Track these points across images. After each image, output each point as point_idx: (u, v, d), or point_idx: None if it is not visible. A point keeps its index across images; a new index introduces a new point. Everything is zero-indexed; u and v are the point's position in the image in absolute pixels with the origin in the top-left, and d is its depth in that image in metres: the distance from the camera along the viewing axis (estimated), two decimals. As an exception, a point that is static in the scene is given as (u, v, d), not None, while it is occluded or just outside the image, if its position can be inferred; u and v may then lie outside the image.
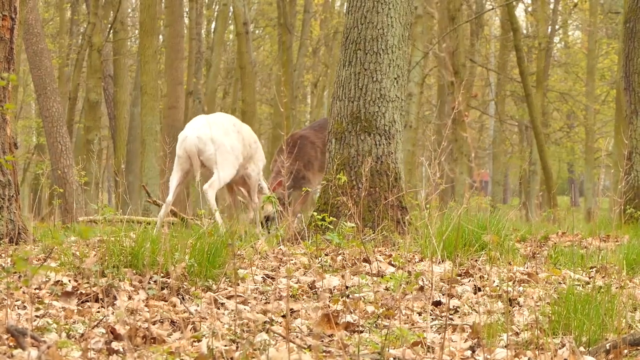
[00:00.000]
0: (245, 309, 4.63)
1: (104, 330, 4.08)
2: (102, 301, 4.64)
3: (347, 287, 5.16)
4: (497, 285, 5.29)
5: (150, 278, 4.92)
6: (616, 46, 28.39)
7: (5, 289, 4.47)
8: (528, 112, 22.59)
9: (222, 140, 8.64)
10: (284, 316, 4.50)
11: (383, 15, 9.24)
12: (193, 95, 28.05)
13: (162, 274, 4.98)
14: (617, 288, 4.82)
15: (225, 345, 3.89)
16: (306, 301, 4.89)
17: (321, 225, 7.10)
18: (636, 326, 4.47)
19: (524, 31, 31.74)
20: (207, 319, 4.35)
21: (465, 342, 4.14)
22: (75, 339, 4.06)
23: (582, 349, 4.04)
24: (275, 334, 4.12)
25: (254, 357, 3.68)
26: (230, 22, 30.31)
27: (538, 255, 6.72)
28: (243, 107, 24.91)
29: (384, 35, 9.24)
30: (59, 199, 14.75)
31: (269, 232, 8.79)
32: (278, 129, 26.36)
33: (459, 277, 5.62)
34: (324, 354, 3.84)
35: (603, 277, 5.69)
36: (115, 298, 4.67)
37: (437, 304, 4.93)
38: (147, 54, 18.60)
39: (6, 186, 7.04)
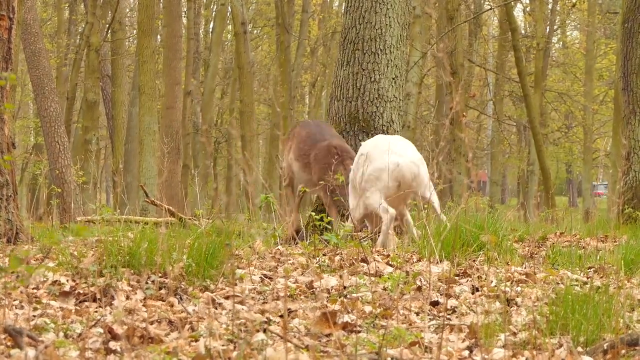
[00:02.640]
0: (243, 308, 4.63)
1: (101, 330, 4.07)
2: (100, 301, 4.64)
3: (345, 287, 5.16)
4: (495, 286, 5.29)
5: (148, 278, 4.92)
6: (614, 46, 28.41)
7: (3, 289, 4.47)
8: (526, 112, 22.61)
9: None
10: (281, 316, 4.50)
11: (381, 16, 9.24)
12: (191, 95, 28.07)
13: (159, 274, 4.97)
14: (615, 288, 4.82)
15: (223, 345, 3.89)
16: (304, 301, 4.89)
17: (319, 225, 7.10)
18: (634, 326, 4.47)
19: (522, 31, 31.78)
20: (204, 319, 4.35)
21: (462, 342, 4.14)
22: (73, 338, 4.06)
23: (579, 349, 4.04)
24: (273, 334, 4.12)
25: (251, 357, 3.68)
26: (228, 22, 30.33)
27: (536, 256, 6.72)
28: (241, 107, 24.92)
29: (382, 36, 9.25)
30: (57, 198, 14.74)
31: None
32: (276, 129, 26.37)
33: (456, 277, 5.62)
34: (322, 353, 3.84)
35: (601, 277, 5.69)
36: (113, 298, 4.67)
37: (434, 304, 4.93)
38: (145, 54, 18.61)
39: (4, 186, 7.04)
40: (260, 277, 5.41)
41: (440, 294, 5.12)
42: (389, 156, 7.63)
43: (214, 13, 30.64)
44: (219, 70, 31.82)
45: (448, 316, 4.70)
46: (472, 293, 5.22)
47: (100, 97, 25.26)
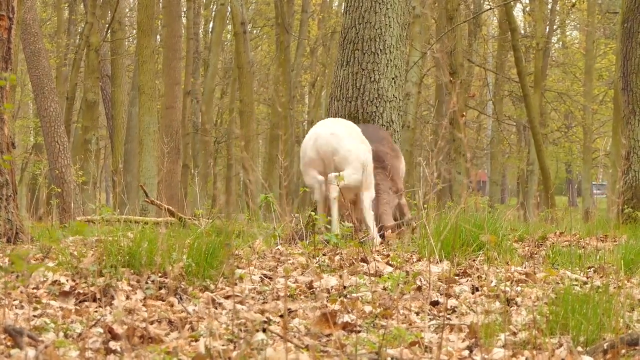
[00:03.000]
0: (242, 308, 4.63)
1: (101, 330, 4.07)
2: (100, 301, 4.64)
3: (344, 287, 5.16)
4: (495, 285, 5.29)
5: (148, 278, 4.92)
6: (614, 46, 28.41)
7: (3, 289, 4.47)
8: (526, 112, 22.61)
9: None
10: (281, 316, 4.50)
11: (381, 15, 9.24)
12: (191, 95, 28.07)
13: (159, 274, 4.97)
14: (614, 288, 4.83)
15: (223, 345, 3.89)
16: (304, 301, 4.89)
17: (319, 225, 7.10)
18: (634, 326, 4.47)
19: (522, 31, 31.77)
20: (204, 319, 4.35)
21: (462, 342, 4.14)
22: (73, 338, 4.06)
23: (579, 348, 4.04)
24: (273, 334, 4.12)
25: (251, 357, 3.68)
26: (227, 22, 30.34)
27: (536, 255, 6.72)
28: (241, 107, 24.92)
29: (382, 35, 9.25)
30: (57, 198, 14.74)
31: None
32: (276, 129, 26.37)
33: (456, 277, 5.62)
34: (322, 353, 3.84)
35: (601, 277, 5.69)
36: (112, 298, 4.66)
37: (434, 303, 4.93)
38: (144, 54, 18.60)
39: (4, 186, 7.04)
40: (260, 277, 5.41)
41: (440, 294, 5.12)
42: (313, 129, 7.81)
43: (213, 13, 30.64)
44: (218, 70, 31.82)
45: (448, 316, 4.70)
46: (472, 293, 5.22)
47: (100, 97, 25.26)
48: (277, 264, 5.89)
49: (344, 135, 7.68)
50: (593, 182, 36.52)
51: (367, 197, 7.83)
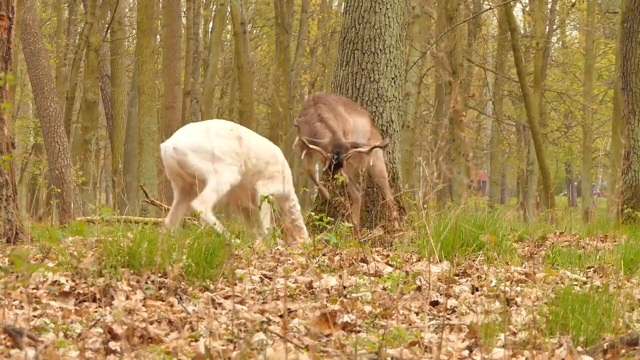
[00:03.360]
0: (242, 308, 4.63)
1: (101, 330, 4.07)
2: (100, 301, 4.64)
3: (344, 287, 5.16)
4: (495, 285, 5.30)
5: (148, 278, 4.92)
6: (614, 46, 28.41)
7: (3, 289, 4.47)
8: (526, 112, 22.61)
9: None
10: (281, 316, 4.50)
11: (380, 15, 9.25)
12: (190, 95, 28.05)
13: (159, 274, 4.97)
14: (614, 288, 4.83)
15: (223, 345, 3.89)
16: (304, 301, 4.89)
17: (319, 225, 7.11)
18: (633, 326, 4.47)
19: (522, 31, 31.77)
20: (204, 319, 4.35)
21: (462, 342, 4.15)
22: (73, 338, 4.06)
23: (579, 348, 4.04)
24: (273, 334, 4.12)
25: (251, 357, 3.68)
26: (227, 22, 30.32)
27: (536, 255, 6.72)
28: (240, 107, 24.90)
29: (382, 35, 9.25)
30: (57, 198, 14.75)
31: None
32: (276, 129, 26.37)
33: (456, 277, 5.62)
34: (322, 353, 3.84)
35: (601, 277, 5.69)
36: (112, 298, 4.66)
37: (434, 303, 4.93)
38: (144, 54, 18.60)
39: (3, 186, 7.04)
40: (260, 277, 5.41)
41: (440, 294, 5.12)
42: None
43: (213, 13, 30.62)
44: (218, 70, 31.81)
45: (448, 316, 4.70)
46: (472, 293, 5.22)
47: (100, 97, 25.25)
48: (277, 264, 5.89)
49: (186, 149, 7.59)
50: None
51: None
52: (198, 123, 8.12)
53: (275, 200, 7.81)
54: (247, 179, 7.83)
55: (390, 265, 5.92)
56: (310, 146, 8.12)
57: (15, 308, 4.51)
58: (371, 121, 8.98)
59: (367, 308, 4.70)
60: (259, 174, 7.93)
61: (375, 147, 8.24)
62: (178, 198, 7.77)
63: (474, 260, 6.09)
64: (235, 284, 5.16)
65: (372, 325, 4.45)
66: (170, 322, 4.34)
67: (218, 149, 7.55)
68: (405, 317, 4.63)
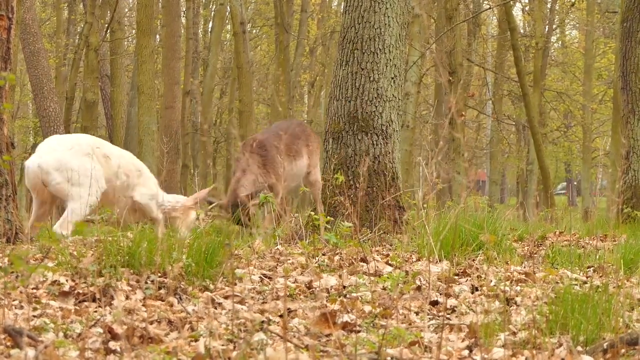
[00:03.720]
0: (242, 308, 4.63)
1: (101, 330, 4.07)
2: (100, 301, 4.64)
3: (344, 287, 5.16)
4: (495, 285, 5.30)
5: (148, 278, 4.92)
6: (613, 45, 28.40)
7: (3, 289, 4.47)
8: (525, 112, 22.59)
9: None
10: (281, 316, 4.50)
11: (380, 15, 9.24)
12: (190, 94, 28.05)
13: (159, 274, 4.97)
14: (614, 287, 4.83)
15: (223, 345, 3.89)
16: (303, 301, 4.89)
17: (318, 225, 7.11)
18: (633, 325, 4.47)
19: (521, 30, 31.75)
20: (204, 319, 4.35)
21: (462, 341, 4.15)
22: (73, 338, 4.06)
23: (579, 348, 4.04)
24: (273, 334, 4.12)
25: (251, 357, 3.68)
26: (227, 21, 30.30)
27: (535, 255, 6.72)
28: (240, 107, 24.89)
29: (381, 35, 9.24)
30: (56, 198, 14.72)
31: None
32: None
33: (456, 277, 5.62)
34: (322, 353, 3.84)
35: (600, 276, 5.69)
36: (112, 298, 4.67)
37: (434, 303, 4.93)
38: (144, 54, 18.59)
39: (3, 186, 7.04)
40: (260, 277, 5.41)
41: (440, 294, 5.12)
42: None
43: (212, 13, 30.61)
44: (218, 69, 31.80)
45: (447, 316, 4.70)
46: (472, 292, 5.22)
47: (99, 97, 25.23)
48: (277, 264, 5.89)
49: (50, 167, 7.56)
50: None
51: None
52: (63, 137, 8.03)
53: (150, 199, 8.11)
54: (122, 193, 7.95)
55: (390, 265, 5.92)
56: (211, 206, 8.75)
57: (15, 308, 4.51)
58: (311, 152, 9.55)
59: (367, 308, 4.70)
60: (133, 186, 8.04)
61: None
62: (37, 212, 7.77)
63: (473, 260, 6.10)
64: (235, 284, 5.16)
65: (372, 325, 4.45)
66: (170, 322, 4.34)
67: (82, 169, 7.52)
68: (405, 317, 4.62)
